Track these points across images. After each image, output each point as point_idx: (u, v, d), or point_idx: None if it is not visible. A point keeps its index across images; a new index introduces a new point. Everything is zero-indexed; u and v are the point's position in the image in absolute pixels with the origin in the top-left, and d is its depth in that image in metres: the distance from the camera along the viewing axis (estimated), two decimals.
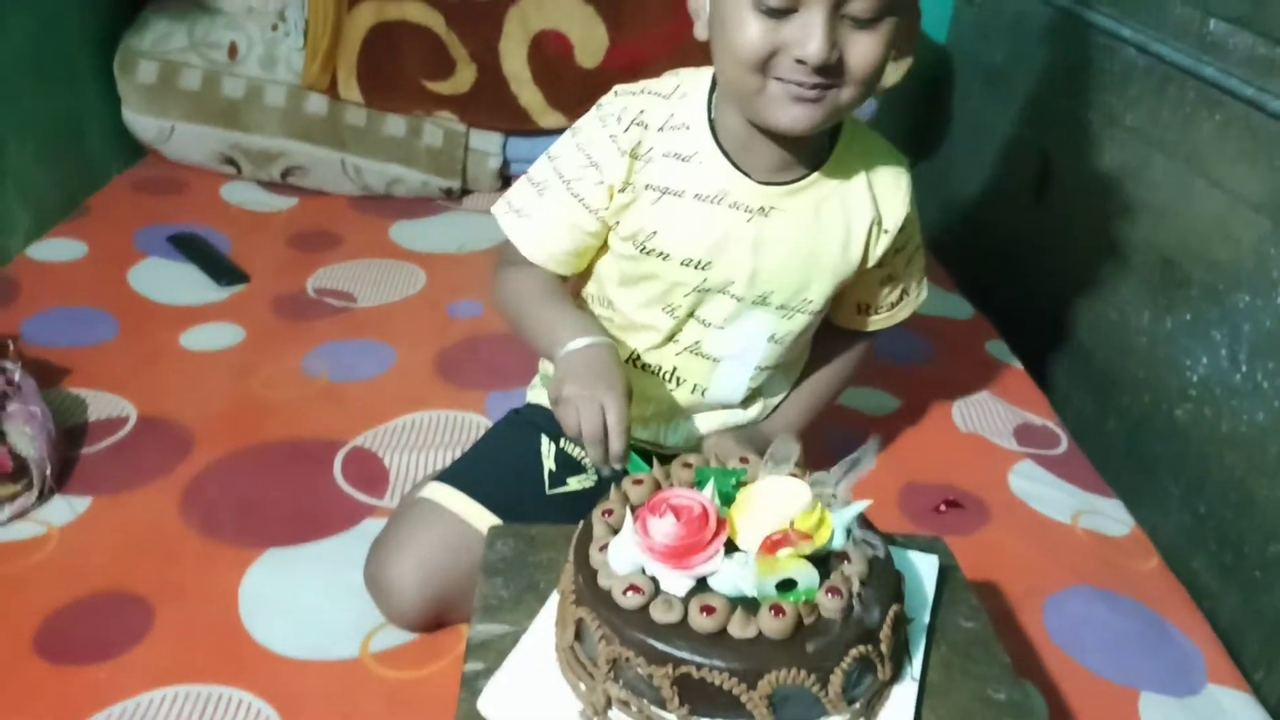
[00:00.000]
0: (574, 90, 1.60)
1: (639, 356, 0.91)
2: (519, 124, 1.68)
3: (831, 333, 0.98)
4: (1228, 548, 1.21)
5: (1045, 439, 1.22)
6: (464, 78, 1.66)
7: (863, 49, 0.71)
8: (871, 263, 0.88)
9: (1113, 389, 1.44)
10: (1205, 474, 1.25)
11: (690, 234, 0.82)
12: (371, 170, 1.66)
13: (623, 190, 0.83)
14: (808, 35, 0.69)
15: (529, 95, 1.67)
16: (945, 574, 0.73)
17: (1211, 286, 1.25)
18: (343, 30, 1.62)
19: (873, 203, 0.85)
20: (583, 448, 0.76)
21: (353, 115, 1.65)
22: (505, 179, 1.74)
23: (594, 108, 0.85)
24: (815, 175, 0.82)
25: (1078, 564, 1.00)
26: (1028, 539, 1.02)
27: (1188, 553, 1.26)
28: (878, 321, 0.97)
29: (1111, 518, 1.09)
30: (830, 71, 0.71)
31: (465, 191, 1.73)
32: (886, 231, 0.86)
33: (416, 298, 1.40)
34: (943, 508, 1.05)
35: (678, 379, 0.91)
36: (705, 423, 0.95)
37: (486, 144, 1.70)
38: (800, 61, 0.70)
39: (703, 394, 0.92)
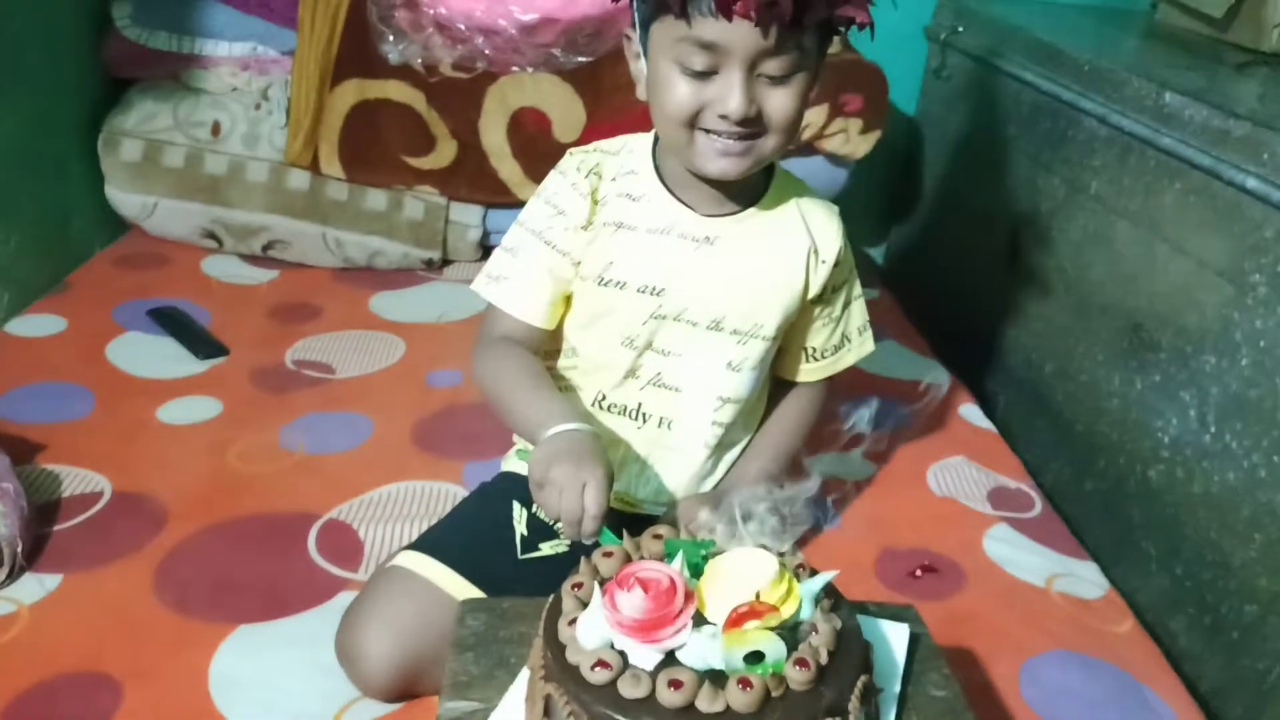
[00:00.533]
0: (552, 164, 1.61)
1: (605, 397, 0.95)
2: (499, 196, 1.71)
3: (781, 388, 1.03)
4: (1206, 609, 1.21)
5: (1019, 502, 1.22)
6: (444, 153, 1.69)
7: (778, 102, 0.80)
8: (813, 291, 0.94)
9: (1088, 451, 1.45)
10: (1181, 535, 1.25)
11: (644, 262, 0.90)
12: (353, 243, 1.68)
13: (585, 229, 0.90)
14: (728, 93, 0.78)
15: (508, 169, 1.70)
16: (916, 641, 0.73)
17: (1179, 350, 1.28)
18: (325, 108, 1.66)
19: (808, 234, 0.93)
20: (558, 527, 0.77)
21: (334, 190, 1.68)
22: (485, 249, 1.76)
23: (552, 171, 0.93)
24: (752, 209, 0.91)
25: (1053, 628, 1.00)
26: (1003, 603, 1.02)
27: (1168, 615, 1.26)
28: (821, 368, 1.01)
29: (1086, 580, 1.09)
30: (751, 123, 0.80)
31: (446, 262, 1.75)
32: (824, 261, 0.94)
33: (395, 367, 1.41)
34: (918, 573, 1.05)
35: (644, 415, 0.94)
36: (671, 477, 0.96)
37: (467, 216, 1.72)
38: (723, 116, 0.79)
39: (669, 428, 0.94)
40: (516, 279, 0.92)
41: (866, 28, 0.79)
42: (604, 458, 0.78)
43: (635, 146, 0.93)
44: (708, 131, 0.81)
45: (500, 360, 0.91)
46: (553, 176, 0.93)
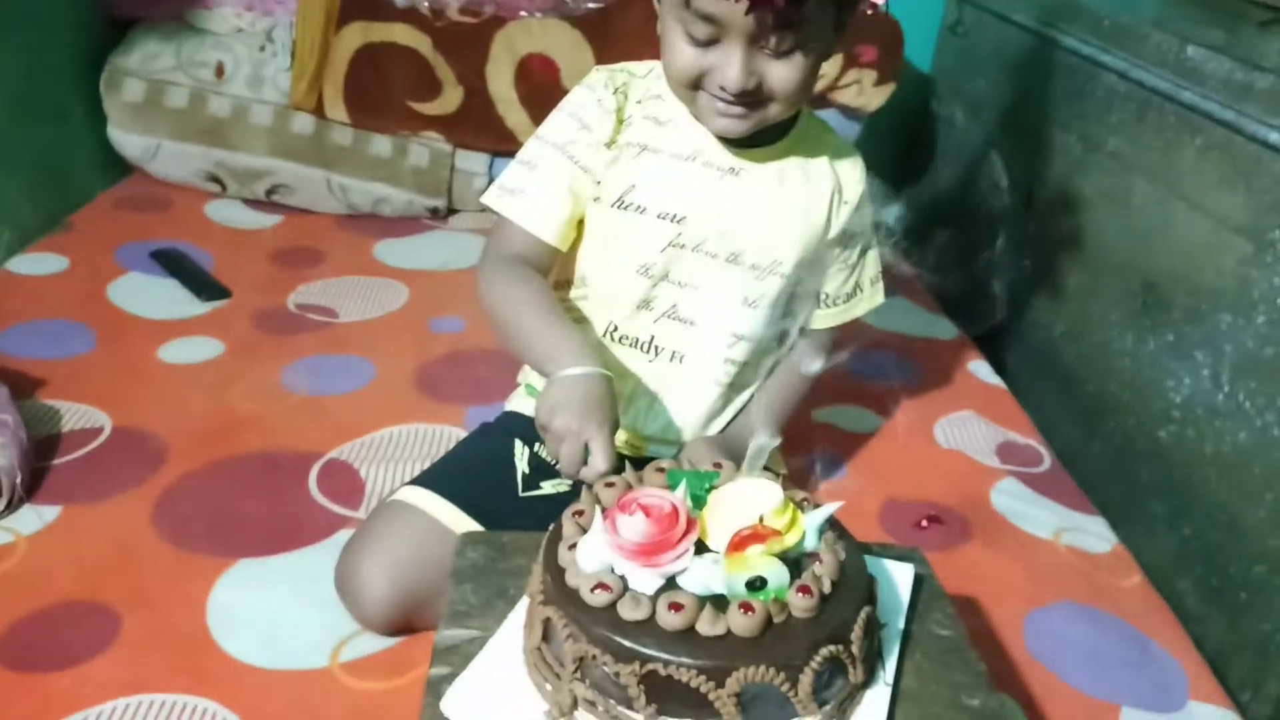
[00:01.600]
0: None
1: (616, 328, 0.92)
2: (505, 144, 1.69)
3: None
4: (1213, 570, 1.20)
5: (1028, 457, 1.21)
6: (450, 99, 1.67)
7: (779, 75, 0.79)
8: (834, 230, 0.93)
9: (1098, 412, 1.44)
10: (1190, 496, 1.24)
11: (666, 188, 0.87)
12: (357, 189, 1.66)
13: (609, 146, 0.88)
14: (727, 65, 0.77)
15: (515, 116, 1.68)
16: (921, 582, 0.72)
17: (1194, 309, 1.26)
18: (330, 51, 1.63)
19: (833, 174, 0.92)
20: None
21: (339, 135, 1.65)
22: None
23: (577, 86, 0.90)
24: (779, 144, 0.89)
25: (1059, 580, 0.99)
26: (1009, 555, 1.02)
27: (1174, 575, 1.25)
28: (832, 315, 0.99)
29: (1094, 534, 1.08)
30: (752, 94, 0.79)
31: (451, 211, 1.73)
32: (846, 203, 0.93)
33: (398, 313, 1.39)
34: (924, 523, 1.04)
35: (655, 348, 0.92)
36: (681, 413, 0.95)
37: (472, 164, 1.70)
38: (722, 87, 0.78)
39: (680, 361, 0.92)
40: (534, 192, 0.88)
41: (880, 6, 0.76)
42: (612, 407, 0.76)
43: (662, 72, 0.90)
44: (710, 94, 0.81)
45: (511, 282, 0.87)
46: (578, 90, 0.90)
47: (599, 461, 0.71)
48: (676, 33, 0.79)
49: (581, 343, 0.81)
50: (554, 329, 0.82)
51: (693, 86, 0.81)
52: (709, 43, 0.78)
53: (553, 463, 0.76)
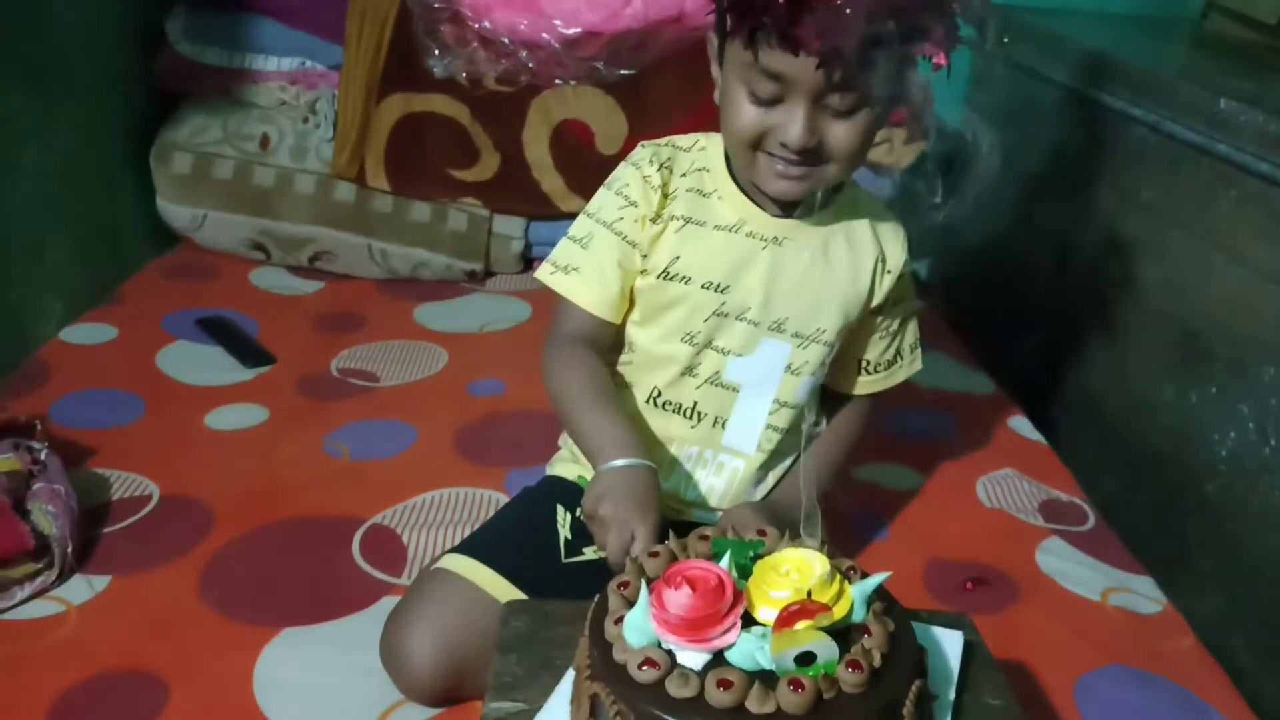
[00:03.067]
0: (595, 176, 1.60)
1: (660, 393, 0.94)
2: (541, 209, 1.72)
3: (832, 400, 1.01)
4: (1266, 627, 1.17)
5: (1072, 515, 1.19)
6: (488, 165, 1.71)
7: (840, 135, 0.80)
8: (877, 299, 0.94)
9: (1141, 465, 1.42)
10: (1239, 551, 1.22)
11: (710, 257, 0.89)
12: (397, 254, 1.70)
13: (654, 220, 0.89)
14: (790, 123, 0.79)
15: (551, 181, 1.71)
16: (970, 650, 0.71)
17: (1236, 360, 1.24)
18: (371, 122, 1.68)
19: (876, 242, 0.93)
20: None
21: (379, 202, 1.69)
22: (527, 261, 1.77)
23: (622, 162, 0.92)
24: (823, 214, 0.90)
25: (1110, 643, 0.97)
26: (1058, 617, 1.00)
27: (1226, 633, 1.22)
28: (872, 382, 1.00)
29: (1143, 595, 1.06)
30: (812, 154, 0.80)
31: (489, 274, 1.76)
32: (889, 272, 0.93)
33: (438, 376, 1.41)
34: (969, 585, 1.03)
35: (698, 414, 0.93)
36: (722, 481, 0.95)
37: (510, 228, 1.73)
38: (784, 144, 0.80)
39: (723, 427, 0.93)
40: (587, 270, 0.91)
41: (942, 69, 0.78)
42: (657, 499, 0.79)
43: (708, 144, 0.92)
44: (770, 154, 0.82)
45: (570, 367, 0.90)
46: (623, 167, 0.92)
47: (637, 550, 0.74)
48: (740, 93, 0.80)
49: (628, 435, 0.84)
50: (604, 420, 0.85)
51: (753, 147, 0.82)
52: (773, 102, 0.79)
53: (600, 552, 0.80)
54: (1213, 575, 1.26)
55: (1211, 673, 0.97)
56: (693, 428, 0.94)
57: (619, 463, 0.80)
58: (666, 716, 0.53)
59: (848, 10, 0.71)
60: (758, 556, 0.64)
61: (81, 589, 0.96)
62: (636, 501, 0.77)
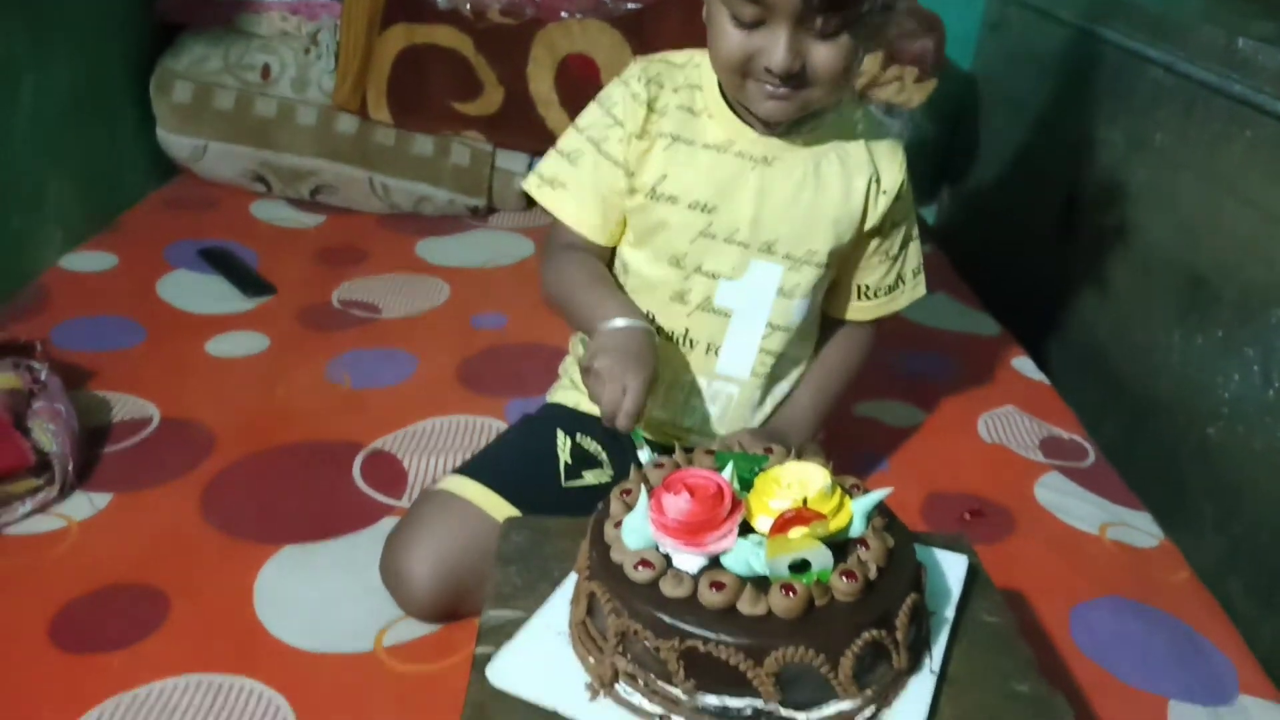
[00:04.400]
0: None
1: (653, 319, 0.93)
2: (545, 144, 1.65)
3: (831, 325, 1.01)
4: (1264, 571, 1.17)
5: (1072, 452, 1.20)
6: (491, 99, 1.69)
7: (823, 57, 0.79)
8: (871, 221, 0.92)
9: (1144, 411, 1.41)
10: (1239, 495, 1.22)
11: (697, 177, 0.88)
12: (399, 189, 1.68)
13: (640, 138, 0.89)
14: (773, 47, 0.78)
15: (555, 116, 1.69)
16: (968, 571, 0.71)
17: (1243, 304, 1.23)
18: (373, 53, 1.65)
19: (870, 161, 0.91)
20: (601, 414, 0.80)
21: (381, 135, 1.68)
22: (531, 198, 1.75)
23: (614, 79, 0.91)
24: (815, 133, 0.89)
25: (1105, 575, 0.97)
26: (1054, 549, 1.00)
27: (1224, 576, 1.22)
28: (873, 308, 0.99)
29: (1140, 530, 1.06)
30: (796, 76, 0.80)
31: (491, 210, 1.74)
32: (885, 192, 0.92)
33: (440, 309, 1.41)
34: (967, 516, 1.03)
35: (690, 340, 0.93)
36: (718, 407, 0.95)
37: (513, 163, 1.72)
38: (768, 69, 0.79)
39: (716, 354, 0.93)
40: (573, 188, 0.91)
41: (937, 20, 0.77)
42: (651, 358, 0.80)
43: (702, 61, 0.90)
44: (755, 79, 0.82)
45: (564, 264, 0.91)
46: (614, 84, 0.91)
47: (629, 403, 0.76)
48: (723, 16, 0.80)
49: (626, 300, 0.86)
50: (600, 291, 0.87)
51: (740, 73, 0.81)
52: (755, 25, 0.78)
53: (600, 477, 0.82)
54: (1212, 519, 1.26)
55: (1207, 606, 0.97)
56: (687, 354, 0.93)
57: (618, 322, 0.82)
58: (659, 614, 0.54)
59: None
60: (761, 470, 0.64)
61: (83, 505, 0.96)
62: (631, 356, 0.78)
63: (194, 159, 1.69)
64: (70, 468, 0.97)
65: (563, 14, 1.65)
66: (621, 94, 0.89)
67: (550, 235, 0.95)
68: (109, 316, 1.31)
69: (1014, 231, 1.86)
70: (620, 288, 0.91)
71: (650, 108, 0.88)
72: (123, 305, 1.34)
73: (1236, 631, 0.95)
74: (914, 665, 0.61)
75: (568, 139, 0.93)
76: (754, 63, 0.80)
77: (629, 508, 0.61)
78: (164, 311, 1.34)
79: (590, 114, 0.92)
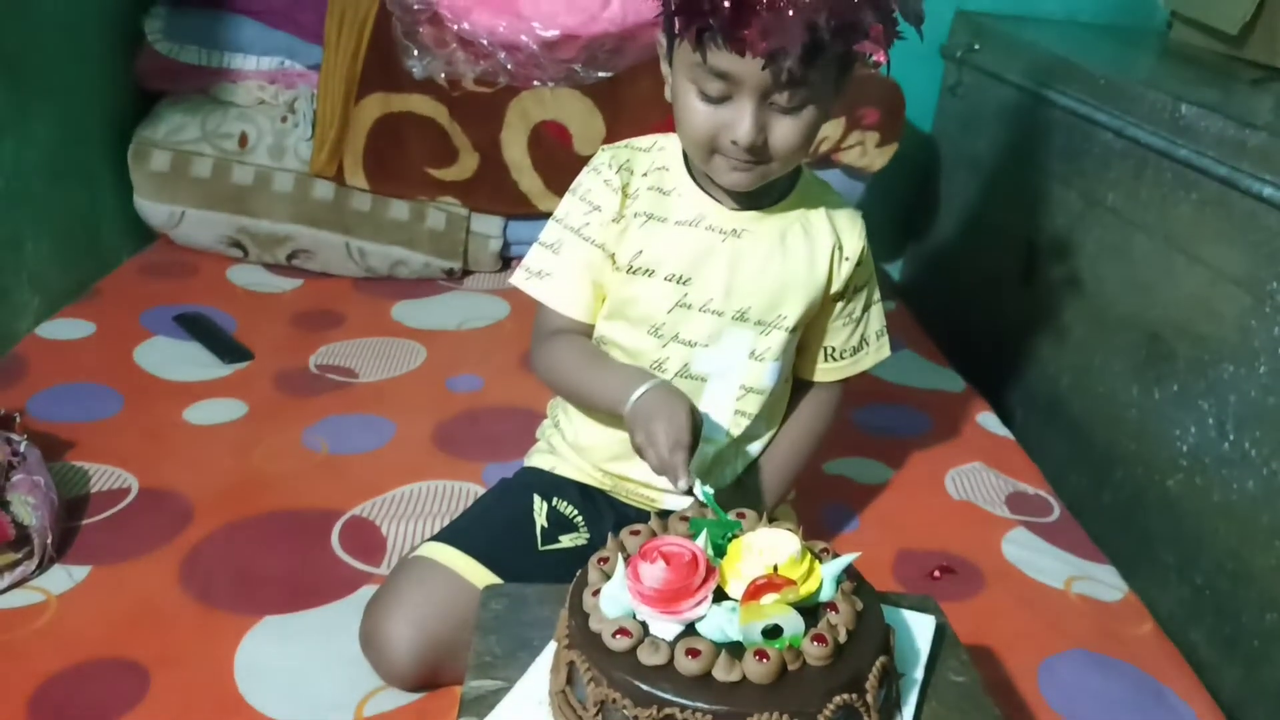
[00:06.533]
0: (572, 176, 1.62)
1: None
2: (519, 208, 1.74)
3: (800, 388, 1.03)
4: (1226, 619, 1.20)
5: (1038, 507, 1.23)
6: (466, 165, 1.72)
7: (785, 131, 0.83)
8: (836, 285, 0.96)
9: (1106, 462, 1.45)
10: (1200, 545, 1.25)
11: (672, 250, 0.92)
12: (375, 253, 1.71)
13: (617, 221, 0.92)
14: (739, 121, 0.81)
15: (529, 181, 1.73)
16: (936, 631, 0.73)
17: (1197, 359, 1.28)
18: (350, 121, 1.69)
19: (833, 231, 0.95)
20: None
21: (358, 201, 1.70)
22: (505, 260, 1.79)
23: (585, 168, 0.95)
24: (779, 205, 0.93)
25: (1072, 629, 1.00)
26: (1022, 604, 1.03)
27: (1187, 625, 1.25)
28: (839, 369, 1.02)
29: (1105, 583, 1.09)
30: (760, 149, 0.83)
31: (466, 272, 1.77)
32: (847, 259, 0.96)
33: (416, 372, 1.42)
34: (937, 574, 1.06)
35: None
36: (694, 468, 0.96)
37: (487, 227, 1.75)
38: (734, 142, 0.82)
39: None
40: (560, 276, 0.94)
41: (881, 66, 0.81)
42: (682, 401, 0.82)
43: (666, 144, 0.95)
44: (720, 154, 0.86)
45: (558, 350, 0.94)
46: (586, 173, 0.95)
47: (675, 439, 0.78)
48: (690, 92, 0.83)
49: (634, 370, 0.89)
50: (607, 372, 0.90)
51: (708, 148, 0.85)
52: (721, 100, 0.82)
53: (576, 541, 0.84)
54: (1175, 569, 1.29)
55: (1170, 657, 1.00)
56: None
57: (636, 393, 0.83)
58: (637, 683, 0.56)
59: (790, 12, 0.74)
60: (733, 536, 0.66)
61: (61, 579, 0.97)
62: (661, 413, 0.80)
63: (171, 225, 1.71)
64: (49, 541, 0.98)
65: (535, 83, 1.70)
66: (595, 182, 0.93)
67: (537, 324, 0.98)
68: (86, 384, 1.32)
69: (977, 287, 1.91)
70: (617, 362, 0.93)
71: (624, 192, 0.92)
72: (100, 373, 1.35)
73: (1199, 682, 0.97)
74: None
75: (549, 231, 0.96)
76: (720, 137, 0.84)
77: (606, 576, 0.63)
78: (141, 379, 1.35)
79: (567, 205, 0.96)
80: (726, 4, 0.75)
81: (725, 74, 0.80)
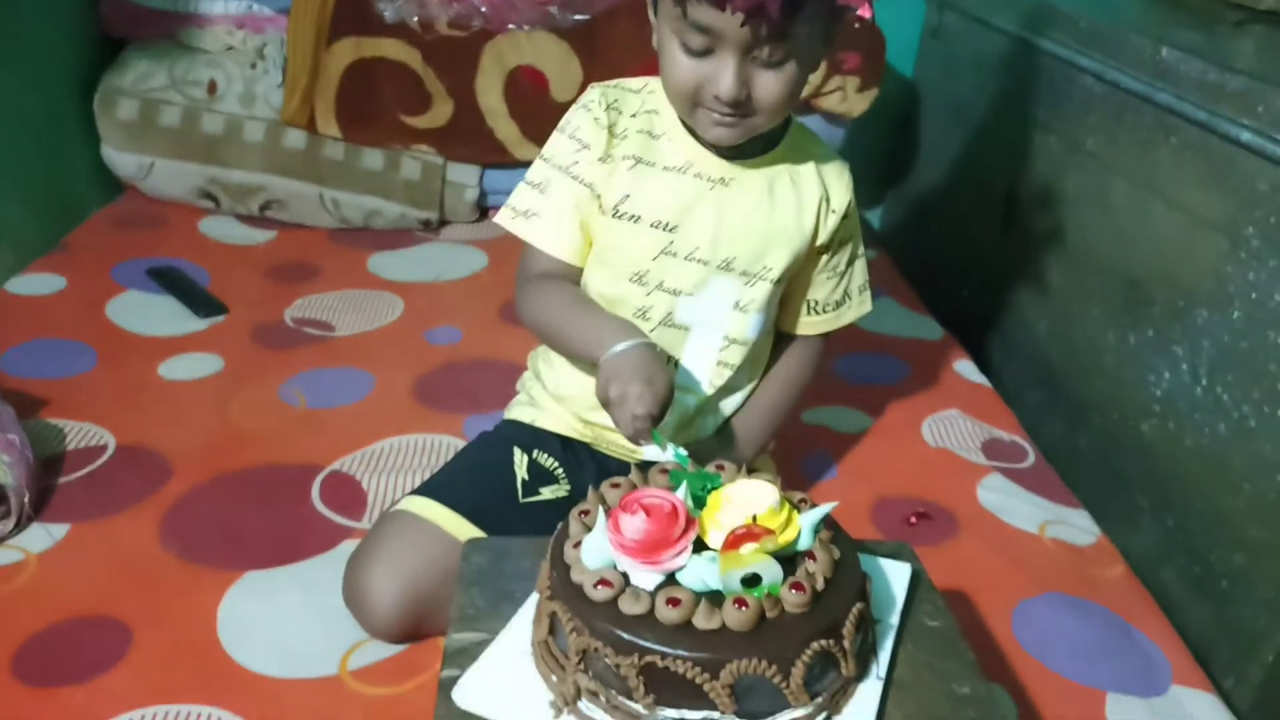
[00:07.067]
0: (549, 123, 1.59)
1: None
2: (495, 156, 1.71)
3: (782, 341, 1.03)
4: (1196, 560, 1.23)
5: (1013, 453, 1.24)
6: (441, 112, 1.69)
7: (768, 85, 0.82)
8: (822, 237, 0.96)
9: (1083, 408, 1.47)
10: (1172, 488, 1.27)
11: (659, 197, 0.91)
12: (350, 203, 1.69)
13: (603, 160, 0.91)
14: (722, 75, 0.81)
15: (505, 128, 1.70)
16: (911, 578, 0.74)
17: (1172, 304, 1.29)
18: (321, 67, 1.65)
19: (820, 183, 0.95)
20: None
21: (331, 149, 1.68)
22: (482, 210, 1.77)
23: (574, 105, 0.93)
24: (769, 155, 0.92)
25: (1046, 572, 1.02)
26: (996, 549, 1.04)
27: (1158, 566, 1.28)
28: (821, 323, 1.02)
29: (1078, 527, 1.11)
30: (743, 104, 0.83)
31: (443, 223, 1.75)
32: (834, 211, 0.95)
33: (394, 325, 1.42)
34: (913, 520, 1.07)
35: None
36: (675, 418, 0.97)
37: (464, 176, 1.73)
38: (716, 96, 0.82)
39: (675, 366, 0.95)
40: (547, 215, 0.92)
41: (867, 19, 0.80)
42: (661, 372, 0.81)
43: (656, 87, 0.92)
44: (704, 107, 0.84)
45: (543, 294, 0.92)
46: (574, 110, 0.93)
47: (641, 407, 0.77)
48: (673, 44, 0.82)
49: (619, 321, 0.87)
50: (592, 318, 0.88)
51: (691, 101, 0.84)
52: (704, 53, 0.81)
53: (556, 492, 0.83)
54: (1148, 511, 1.32)
55: (1140, 598, 1.02)
56: None
57: (619, 347, 0.82)
58: (618, 632, 0.56)
59: None
60: (713, 489, 0.66)
61: (40, 537, 0.96)
62: (641, 375, 0.79)
63: (140, 176, 1.68)
64: (27, 500, 0.97)
65: (510, 26, 1.67)
66: (584, 119, 0.92)
67: (522, 266, 0.96)
68: (59, 340, 1.30)
69: (956, 234, 1.91)
70: (602, 309, 0.92)
71: (611, 132, 0.91)
72: (73, 328, 1.33)
73: (1169, 624, 1.00)
74: (862, 672, 0.64)
75: (536, 170, 0.94)
76: (703, 90, 0.83)
77: (588, 528, 0.63)
78: (115, 334, 1.34)
79: (555, 143, 0.94)
80: None
81: (707, 28, 0.79)
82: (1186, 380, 1.25)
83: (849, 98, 1.68)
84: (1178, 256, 1.28)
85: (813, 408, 1.27)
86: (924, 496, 1.12)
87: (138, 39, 1.69)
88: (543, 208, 0.93)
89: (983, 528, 1.08)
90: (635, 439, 0.78)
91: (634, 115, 0.92)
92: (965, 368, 1.43)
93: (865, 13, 0.80)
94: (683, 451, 0.73)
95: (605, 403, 0.81)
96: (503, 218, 0.95)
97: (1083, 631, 0.95)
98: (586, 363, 0.89)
